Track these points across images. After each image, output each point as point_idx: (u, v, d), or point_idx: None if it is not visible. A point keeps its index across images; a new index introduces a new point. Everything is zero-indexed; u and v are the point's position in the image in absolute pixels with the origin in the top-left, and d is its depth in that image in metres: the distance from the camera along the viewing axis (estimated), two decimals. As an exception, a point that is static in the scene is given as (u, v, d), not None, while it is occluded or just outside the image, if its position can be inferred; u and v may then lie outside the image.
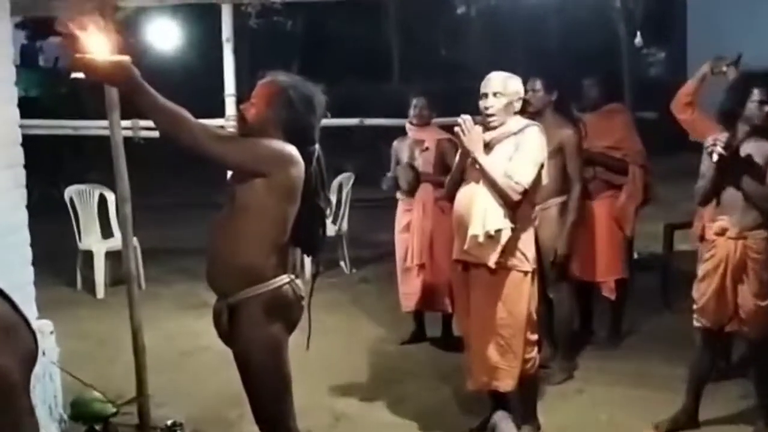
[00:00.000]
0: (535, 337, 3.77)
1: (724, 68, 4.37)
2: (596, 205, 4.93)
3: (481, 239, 3.55)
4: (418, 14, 17.94)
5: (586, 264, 4.89)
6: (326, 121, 2.95)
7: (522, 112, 3.71)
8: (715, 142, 3.56)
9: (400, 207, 5.28)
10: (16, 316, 2.12)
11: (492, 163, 3.56)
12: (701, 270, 3.82)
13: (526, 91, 3.77)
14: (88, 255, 6.69)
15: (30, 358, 2.16)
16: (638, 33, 7.25)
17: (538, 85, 4.46)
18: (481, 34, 17.83)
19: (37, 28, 18.24)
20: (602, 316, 5.29)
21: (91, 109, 7.66)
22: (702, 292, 3.79)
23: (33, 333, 2.14)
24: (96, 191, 6.83)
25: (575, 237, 4.52)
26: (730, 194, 3.70)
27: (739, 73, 4.12)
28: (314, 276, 3.10)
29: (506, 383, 3.70)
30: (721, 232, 3.74)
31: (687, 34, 13.55)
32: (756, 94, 3.63)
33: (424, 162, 5.15)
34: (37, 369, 3.56)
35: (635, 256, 6.21)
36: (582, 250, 4.75)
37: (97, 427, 3.81)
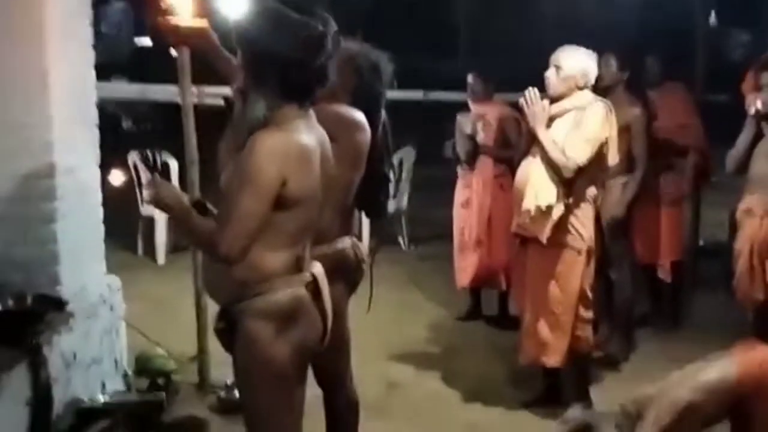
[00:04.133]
0: (589, 314, 3.74)
1: None
2: (660, 184, 4.86)
3: (532, 213, 3.55)
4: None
5: (647, 245, 4.83)
6: (389, 94, 2.94)
7: (594, 88, 3.68)
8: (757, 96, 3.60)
9: (460, 182, 5.27)
10: (311, 303, 2.28)
11: (550, 138, 3.55)
12: (736, 249, 3.85)
13: (599, 67, 3.73)
14: (150, 221, 6.62)
15: (313, 344, 2.32)
16: (712, 12, 7.01)
17: (612, 60, 4.41)
18: (552, 8, 17.41)
19: (100, -6, 18.24)
20: (662, 301, 5.19)
21: (155, 77, 7.71)
22: (737, 269, 3.82)
23: (324, 318, 2.33)
24: (159, 157, 6.81)
25: (636, 214, 4.49)
26: (759, 170, 3.70)
27: None
28: (375, 248, 3.11)
29: (554, 359, 3.71)
30: (747, 211, 3.75)
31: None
32: None
33: (485, 136, 5.11)
34: (105, 323, 3.74)
35: (700, 243, 6.08)
36: (643, 231, 4.69)
37: (159, 382, 3.94)
